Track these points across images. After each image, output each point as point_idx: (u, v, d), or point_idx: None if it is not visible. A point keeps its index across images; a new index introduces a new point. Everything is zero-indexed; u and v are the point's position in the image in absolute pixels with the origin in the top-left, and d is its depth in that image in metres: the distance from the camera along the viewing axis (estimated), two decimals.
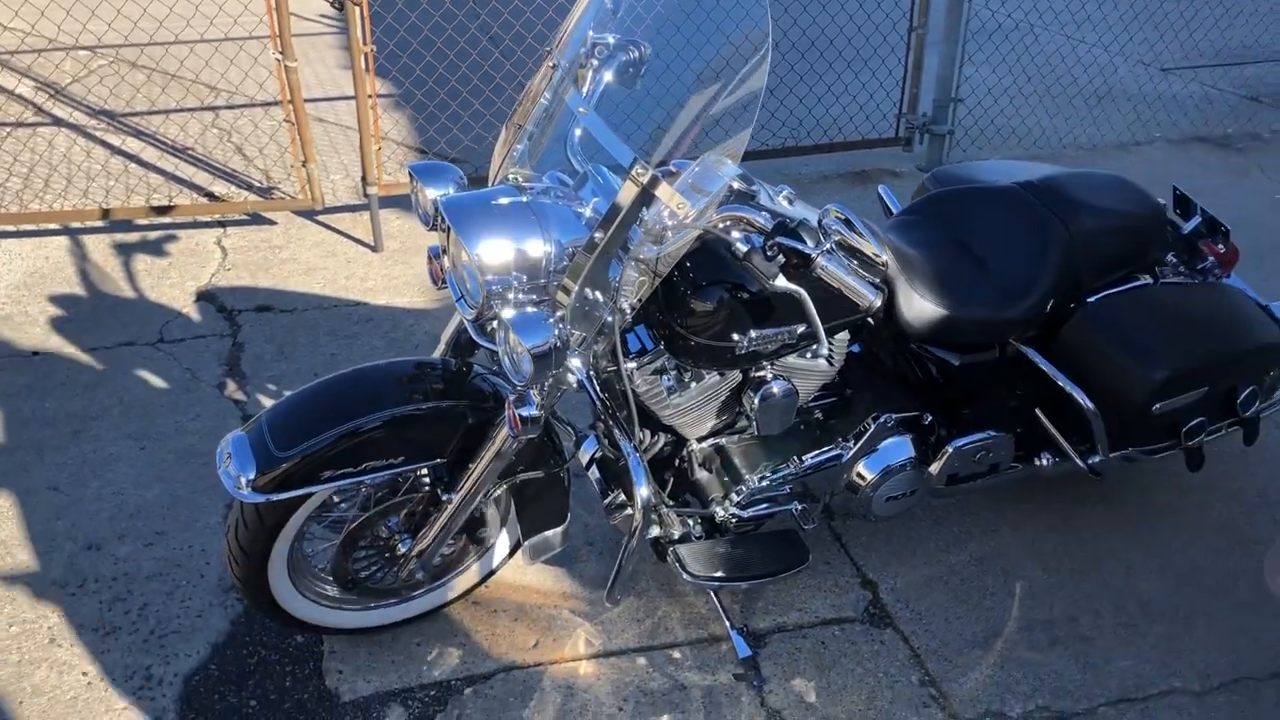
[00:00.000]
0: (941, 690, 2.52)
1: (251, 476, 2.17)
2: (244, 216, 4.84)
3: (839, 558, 2.90)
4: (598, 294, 2.07)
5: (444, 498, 2.35)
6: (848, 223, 1.94)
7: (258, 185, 5.11)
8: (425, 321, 4.04)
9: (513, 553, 2.68)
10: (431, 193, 2.27)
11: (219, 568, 2.82)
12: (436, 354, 2.53)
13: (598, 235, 2.00)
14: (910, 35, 5.26)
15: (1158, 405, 2.59)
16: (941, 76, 5.34)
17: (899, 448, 2.62)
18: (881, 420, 2.60)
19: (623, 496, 2.56)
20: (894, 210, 3.00)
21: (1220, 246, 2.87)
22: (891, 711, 2.47)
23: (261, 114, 5.90)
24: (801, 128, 5.53)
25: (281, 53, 4.31)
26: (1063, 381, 2.59)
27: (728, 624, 2.64)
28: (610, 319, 2.10)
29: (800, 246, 1.95)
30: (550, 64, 2.27)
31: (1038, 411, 2.75)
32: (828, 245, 1.93)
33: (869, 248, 1.91)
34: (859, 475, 2.61)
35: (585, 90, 2.29)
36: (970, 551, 2.93)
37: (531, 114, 2.27)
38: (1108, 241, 2.68)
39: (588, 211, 2.15)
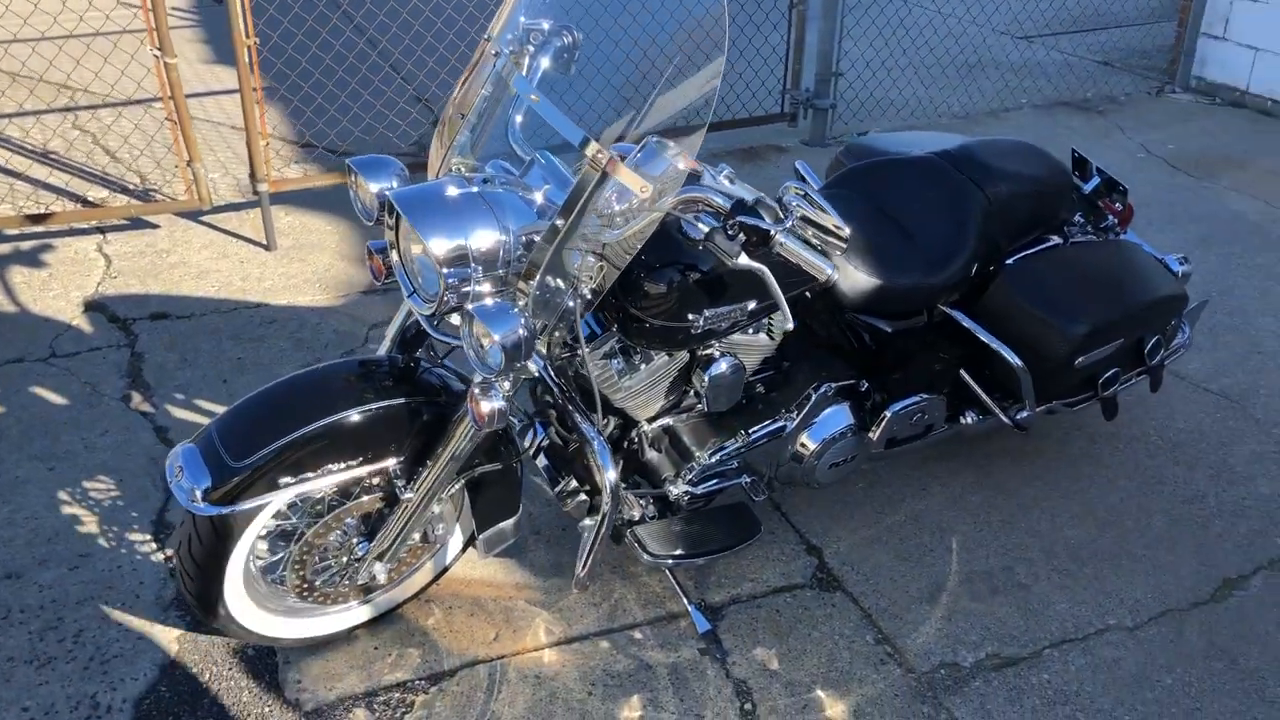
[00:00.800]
0: (896, 647, 2.61)
1: (207, 488, 2.10)
2: (124, 222, 4.64)
3: (782, 526, 2.96)
4: (559, 281, 2.06)
5: (404, 496, 2.32)
6: (807, 198, 1.98)
7: (134, 188, 4.90)
8: (332, 319, 3.95)
9: (466, 547, 2.65)
10: (374, 186, 2.23)
11: (155, 585, 2.72)
12: (382, 351, 2.48)
13: (559, 222, 1.99)
14: (791, 12, 5.36)
15: (1080, 359, 2.72)
16: (822, 52, 5.45)
17: (839, 416, 2.69)
18: (821, 390, 2.66)
19: (574, 483, 2.56)
20: (813, 183, 3.06)
21: (1117, 205, 3.02)
22: (851, 671, 2.54)
23: (140, 113, 5.66)
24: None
25: (160, 49, 4.14)
26: (992, 342, 2.69)
27: (685, 600, 2.67)
28: (571, 305, 2.10)
29: (760, 224, 1.98)
30: (492, 51, 2.24)
31: (962, 372, 2.86)
32: (789, 222, 1.97)
33: (831, 221, 1.95)
34: (803, 445, 2.67)
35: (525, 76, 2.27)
36: (904, 511, 3.03)
37: (473, 103, 2.24)
38: (1022, 205, 2.80)
39: (539, 198, 2.14)
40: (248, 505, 2.14)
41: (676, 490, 2.57)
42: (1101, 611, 2.70)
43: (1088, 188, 3.02)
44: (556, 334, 2.19)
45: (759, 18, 5.95)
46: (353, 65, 5.57)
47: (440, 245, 2.01)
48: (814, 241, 2.01)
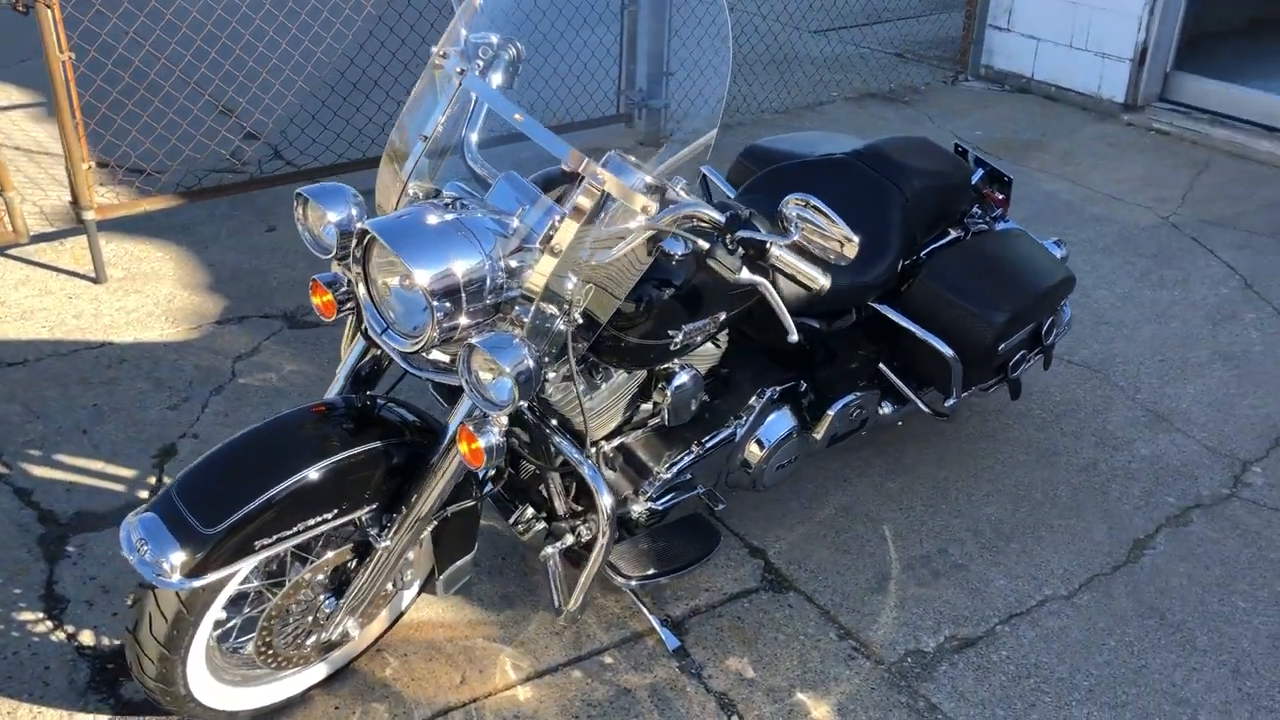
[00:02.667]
0: (860, 640, 2.65)
1: (180, 560, 1.90)
2: None
3: (721, 532, 2.95)
4: (552, 306, 1.98)
5: (380, 544, 2.17)
6: (813, 208, 1.97)
7: None
8: (190, 355, 3.67)
9: (423, 589, 2.51)
10: (334, 216, 2.08)
11: (63, 669, 2.45)
12: (333, 393, 2.31)
13: (556, 245, 1.91)
14: (623, 14, 5.34)
15: (1002, 345, 2.84)
16: (653, 51, 5.47)
17: (783, 418, 2.71)
18: (766, 395, 2.67)
19: (530, 512, 2.48)
20: (722, 188, 3.07)
21: (999, 194, 3.17)
22: (825, 670, 2.57)
23: None
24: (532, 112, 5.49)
25: None
26: (925, 335, 2.77)
27: (652, 619, 2.63)
28: (563, 329, 2.02)
29: (766, 237, 1.96)
30: (456, 69, 2.12)
31: (881, 365, 2.93)
32: (796, 236, 1.96)
33: (840, 232, 1.95)
34: (752, 450, 2.68)
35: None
36: (832, 504, 3.08)
37: (432, 125, 2.12)
38: (932, 200, 2.89)
39: (515, 221, 2.04)
40: (223, 573, 1.95)
41: (639, 508, 2.52)
42: (1037, 583, 2.83)
43: (974, 179, 3.16)
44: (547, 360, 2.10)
45: (592, 19, 5.91)
46: (155, 81, 5.18)
47: (428, 276, 1.89)
48: (814, 251, 2.01)
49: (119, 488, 3.08)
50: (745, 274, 2.01)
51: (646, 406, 2.49)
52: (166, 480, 3.10)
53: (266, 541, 1.97)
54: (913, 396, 2.95)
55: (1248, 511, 3.10)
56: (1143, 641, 2.67)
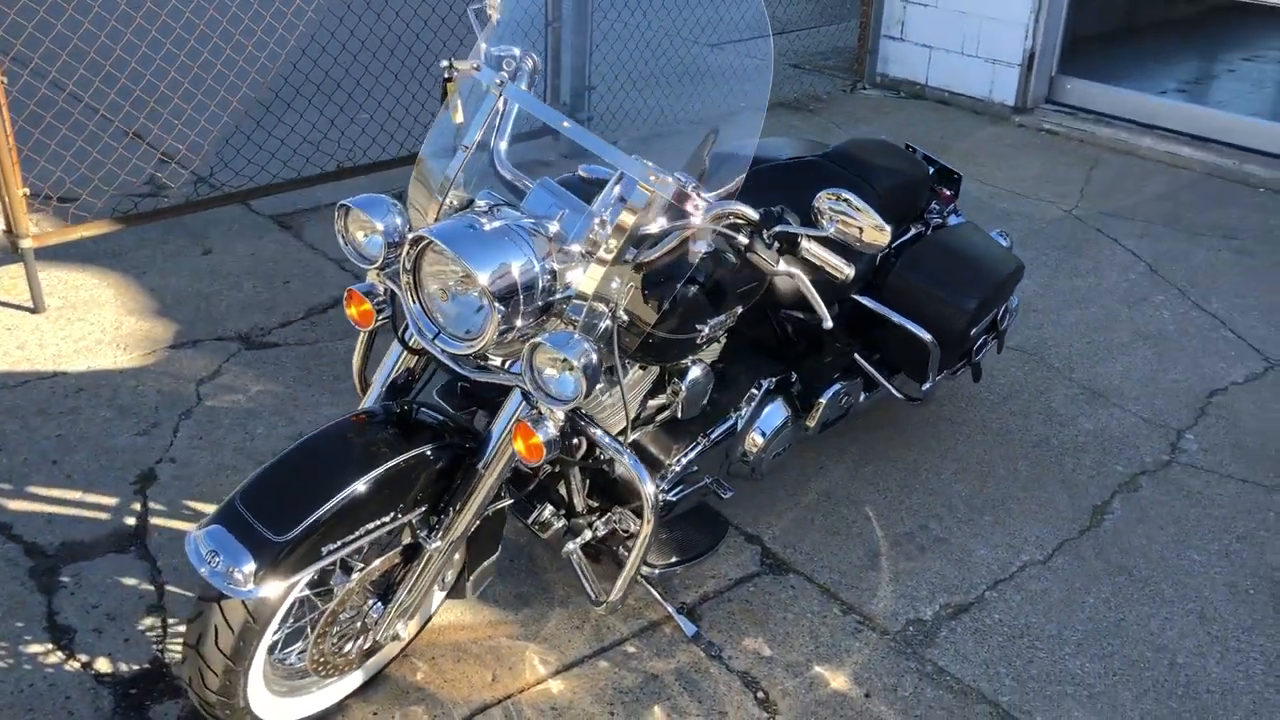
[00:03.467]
0: (863, 614, 2.80)
1: (252, 568, 1.92)
2: None
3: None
4: (601, 305, 2.07)
5: (431, 546, 2.21)
6: (847, 201, 2.09)
7: None
8: (149, 380, 3.62)
9: (451, 592, 2.56)
10: (381, 225, 2.12)
11: (86, 698, 2.42)
12: (369, 403, 2.34)
13: (610, 245, 2.01)
14: (547, 30, 5.43)
15: (973, 330, 3.03)
16: (575, 66, 5.58)
17: (778, 409, 2.84)
18: (764, 387, 2.80)
19: (547, 511, 2.54)
20: None
21: (948, 190, 3.38)
22: (835, 643, 2.70)
23: None
24: None
25: None
26: (906, 323, 2.94)
27: (669, 607, 2.73)
28: (609, 325, 2.11)
29: (797, 230, 2.09)
30: (496, 81, 2.20)
31: (856, 355, 3.10)
32: (831, 229, 2.08)
33: (871, 221, 2.07)
34: (752, 441, 2.80)
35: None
36: (814, 490, 3.23)
37: (470, 135, 2.20)
38: (901, 197, 3.07)
39: (554, 226, 2.12)
40: (293, 580, 1.98)
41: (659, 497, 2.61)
42: (1014, 551, 3.03)
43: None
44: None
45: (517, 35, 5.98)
46: (63, 109, 5.05)
47: (490, 278, 1.96)
48: (848, 242, 2.14)
49: (102, 516, 3.03)
50: (782, 265, 2.13)
51: (654, 402, 2.59)
52: (153, 506, 3.06)
53: (333, 547, 2.01)
54: (886, 383, 3.12)
55: (1188, 475, 3.37)
56: (1117, 597, 2.88)
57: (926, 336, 2.95)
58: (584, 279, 2.06)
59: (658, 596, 2.74)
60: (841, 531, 3.08)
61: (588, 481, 2.61)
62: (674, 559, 2.59)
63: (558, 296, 2.07)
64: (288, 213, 4.92)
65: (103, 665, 2.54)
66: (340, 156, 5.19)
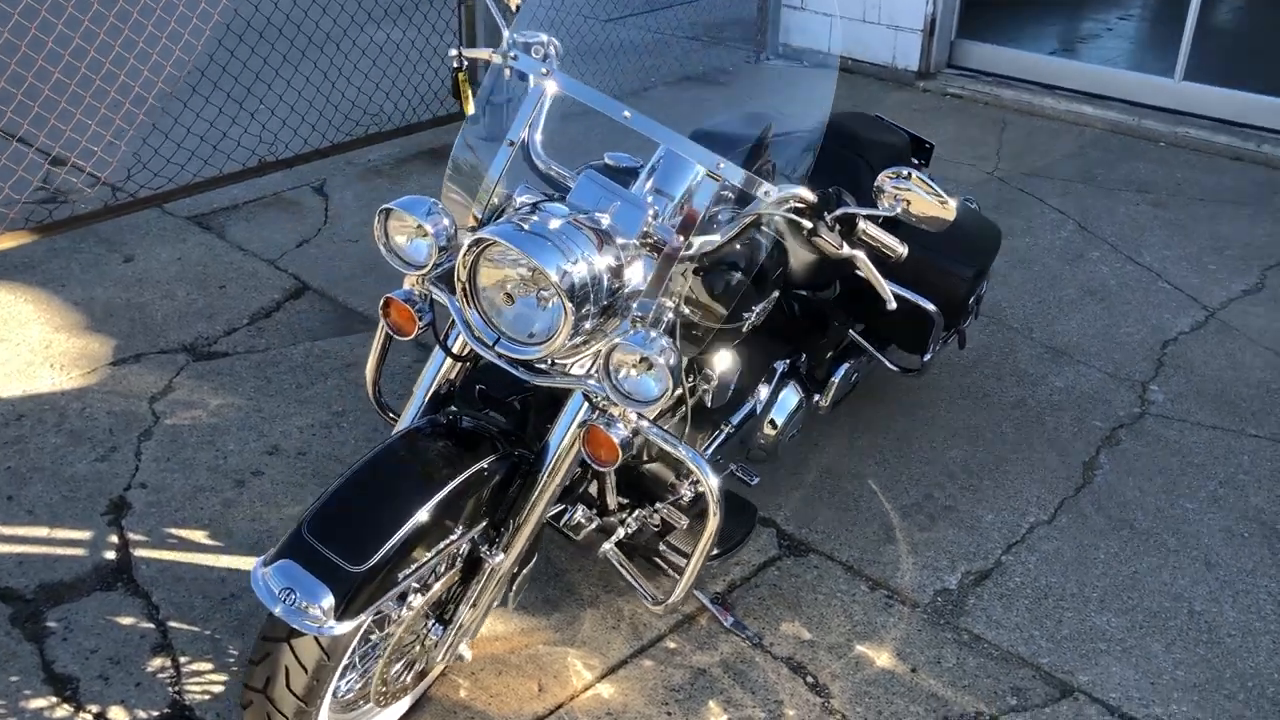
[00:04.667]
0: (891, 589, 2.80)
1: (331, 602, 1.80)
2: None
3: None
4: (667, 299, 2.00)
5: (494, 560, 2.11)
6: (914, 179, 2.06)
7: None
8: (96, 401, 3.39)
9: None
10: (430, 227, 2.00)
11: None
12: (411, 416, 2.21)
13: (678, 240, 1.94)
14: (460, 8, 5.27)
15: (971, 298, 3.05)
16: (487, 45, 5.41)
17: (793, 391, 2.81)
18: (779, 371, 2.77)
19: (580, 513, 2.46)
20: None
21: (920, 160, 3.40)
22: (870, 620, 2.70)
23: None
24: (367, 115, 5.36)
25: None
26: (910, 295, 2.94)
27: (703, 599, 2.68)
28: (672, 318, 2.04)
29: (859, 211, 2.05)
30: (541, 70, 2.09)
31: (851, 331, 3.09)
32: (898, 208, 2.05)
33: (936, 198, 2.04)
34: (771, 424, 2.77)
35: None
36: (816, 468, 3.22)
37: (517, 129, 2.09)
38: (888, 167, 3.06)
39: (606, 219, 2.04)
40: (371, 610, 1.86)
41: (688, 493, 2.56)
42: (1019, 514, 3.08)
43: None
44: None
45: (432, 16, 5.80)
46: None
47: (563, 277, 1.86)
48: (911, 221, 2.10)
49: (78, 551, 2.82)
50: (845, 249, 2.09)
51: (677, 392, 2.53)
52: (133, 537, 2.87)
53: (407, 572, 1.90)
54: (882, 357, 3.12)
55: (1161, 425, 3.48)
56: (1125, 551, 2.95)
57: (931, 307, 2.95)
58: (650, 273, 1.98)
59: (645, 584, 2.67)
60: (851, 507, 3.07)
61: (612, 483, 2.54)
62: (715, 551, 2.54)
63: (625, 292, 1.99)
64: (205, 213, 4.66)
65: (118, 715, 2.37)
66: (259, 151, 4.93)
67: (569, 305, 1.87)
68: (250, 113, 5.14)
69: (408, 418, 2.20)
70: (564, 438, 2.08)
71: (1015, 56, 6.54)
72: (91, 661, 2.50)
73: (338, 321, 3.92)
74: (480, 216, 2.12)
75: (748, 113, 2.43)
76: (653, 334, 1.91)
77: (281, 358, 3.67)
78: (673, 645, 2.60)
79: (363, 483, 1.95)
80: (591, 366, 2.06)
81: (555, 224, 1.92)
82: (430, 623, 2.16)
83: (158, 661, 2.50)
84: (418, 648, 2.17)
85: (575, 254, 1.90)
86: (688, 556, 2.46)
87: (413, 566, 1.91)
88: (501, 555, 2.11)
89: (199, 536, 2.88)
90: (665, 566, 2.54)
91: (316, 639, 1.87)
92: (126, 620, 2.61)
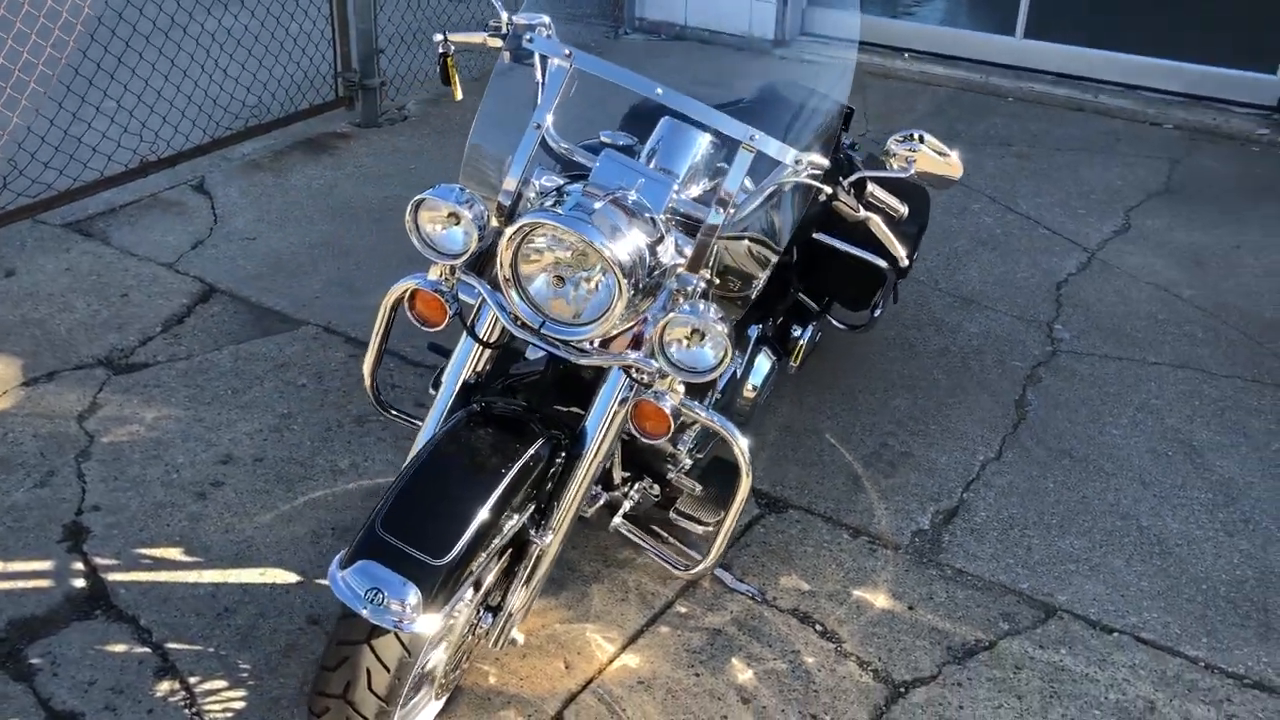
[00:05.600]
0: (871, 534, 2.94)
1: (418, 598, 1.78)
2: None
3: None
4: (705, 271, 2.05)
5: (543, 541, 2.12)
6: (923, 139, 2.16)
7: None
8: (16, 425, 3.20)
9: None
10: (467, 214, 1.98)
11: None
12: (442, 406, 2.18)
13: (718, 213, 1.99)
14: None
15: (915, 255, 3.21)
16: (362, 30, 5.30)
17: (766, 355, 2.90)
18: (754, 336, 2.85)
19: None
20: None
21: (842, 127, 3.53)
22: (860, 566, 2.83)
23: None
24: (242, 109, 5.15)
25: None
26: (865, 255, 3.06)
27: None
28: (705, 287, 2.09)
29: (875, 174, 2.15)
30: (565, 53, 2.09)
31: (800, 294, 3.21)
32: (912, 170, 2.15)
33: (947, 155, 2.15)
34: (750, 387, 2.85)
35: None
36: (774, 428, 3.33)
37: (543, 112, 2.09)
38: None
39: (632, 196, 2.07)
40: (453, 602, 1.85)
41: (688, 462, 2.62)
42: (969, 454, 3.27)
43: None
44: None
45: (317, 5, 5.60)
46: None
47: (619, 254, 1.89)
48: (925, 182, 2.21)
49: (43, 583, 2.67)
50: (862, 211, 2.18)
51: None
52: (100, 562, 2.73)
53: (481, 562, 1.89)
54: (830, 317, 3.25)
55: (1074, 360, 3.74)
56: (1070, 478, 3.18)
57: (883, 264, 3.09)
58: (687, 246, 2.03)
59: (669, 552, 2.74)
60: (815, 462, 3.19)
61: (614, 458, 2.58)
62: (722, 514, 2.61)
63: (663, 267, 2.02)
64: (83, 219, 4.41)
65: None
66: (119, 155, 4.68)
67: (624, 282, 1.89)
68: (109, 115, 4.86)
69: (439, 409, 2.17)
70: (604, 415, 2.11)
71: (864, 21, 6.77)
72: (93, 693, 2.38)
73: (256, 323, 3.79)
74: (506, 202, 2.11)
75: (762, 85, 2.50)
76: (701, 305, 1.95)
77: (208, 364, 3.52)
78: (683, 610, 2.66)
79: (428, 478, 1.93)
80: (627, 343, 2.09)
81: (599, 205, 1.94)
82: (481, 611, 2.16)
83: (166, 685, 2.40)
84: (470, 637, 2.16)
85: (622, 232, 1.93)
86: (698, 522, 2.53)
87: (484, 555, 1.90)
88: (550, 535, 2.13)
89: (174, 554, 2.77)
90: (663, 534, 2.58)
91: (398, 636, 1.85)
92: (118, 647, 2.50)
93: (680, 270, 2.04)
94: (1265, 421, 3.44)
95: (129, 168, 4.44)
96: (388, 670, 1.86)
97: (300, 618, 2.59)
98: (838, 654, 2.57)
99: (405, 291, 2.26)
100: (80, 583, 2.67)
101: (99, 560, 2.74)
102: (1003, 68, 6.38)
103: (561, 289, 1.98)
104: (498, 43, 2.35)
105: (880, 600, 2.72)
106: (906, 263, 2.32)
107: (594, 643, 2.55)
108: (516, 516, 2.00)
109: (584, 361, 2.08)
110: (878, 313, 3.25)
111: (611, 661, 2.51)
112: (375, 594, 1.77)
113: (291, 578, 2.70)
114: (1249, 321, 4.00)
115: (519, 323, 2.03)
